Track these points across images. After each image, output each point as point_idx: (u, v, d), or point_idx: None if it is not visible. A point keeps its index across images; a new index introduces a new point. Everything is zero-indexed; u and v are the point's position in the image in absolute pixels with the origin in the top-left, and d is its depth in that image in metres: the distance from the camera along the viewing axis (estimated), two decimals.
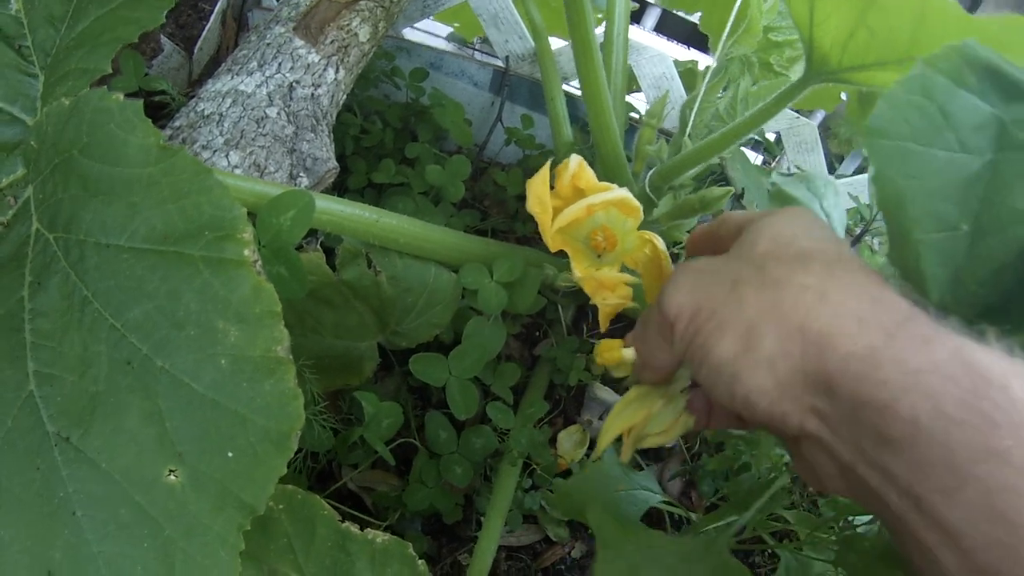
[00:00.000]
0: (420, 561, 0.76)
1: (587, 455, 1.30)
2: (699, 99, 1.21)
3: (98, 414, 0.59)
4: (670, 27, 2.43)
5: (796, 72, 1.37)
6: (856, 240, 1.49)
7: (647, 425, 0.78)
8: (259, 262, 0.59)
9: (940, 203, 0.65)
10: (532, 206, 0.82)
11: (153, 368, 0.58)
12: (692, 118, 1.20)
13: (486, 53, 1.83)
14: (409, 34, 1.69)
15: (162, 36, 1.43)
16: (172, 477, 0.57)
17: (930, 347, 0.48)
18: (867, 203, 1.59)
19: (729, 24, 1.18)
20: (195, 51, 1.54)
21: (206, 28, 1.56)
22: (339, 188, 1.37)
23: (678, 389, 0.78)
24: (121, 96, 0.63)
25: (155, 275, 0.59)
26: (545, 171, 0.81)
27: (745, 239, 0.65)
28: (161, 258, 0.60)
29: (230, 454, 0.58)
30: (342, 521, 0.74)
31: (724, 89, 1.28)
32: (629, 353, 0.78)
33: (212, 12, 1.59)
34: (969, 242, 0.65)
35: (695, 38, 2.24)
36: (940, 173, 0.65)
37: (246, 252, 0.58)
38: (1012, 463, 0.42)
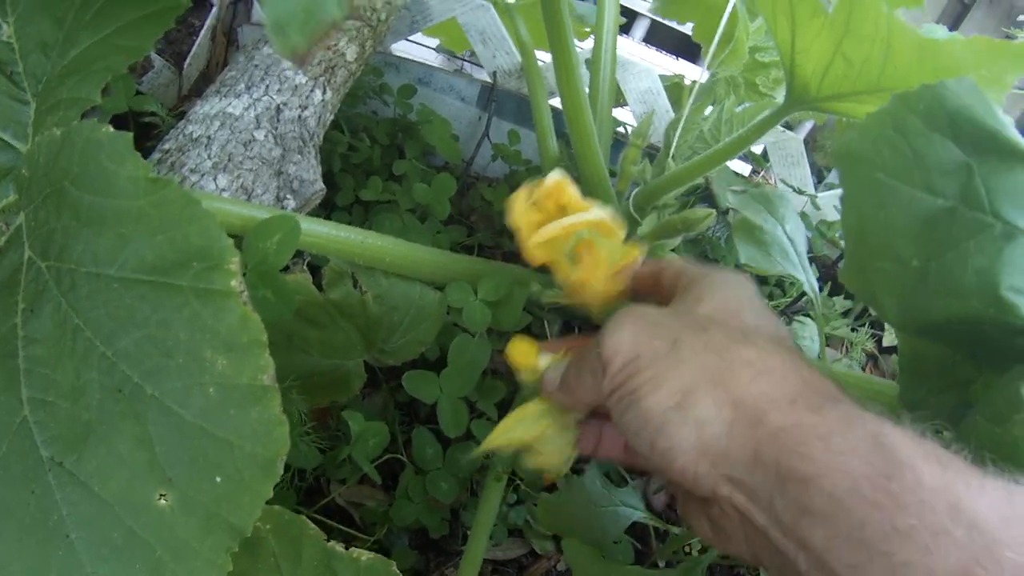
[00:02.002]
0: None
1: (573, 470, 1.31)
2: (683, 120, 1.22)
3: (91, 440, 0.60)
4: (660, 38, 2.45)
5: (781, 93, 1.39)
6: (843, 255, 1.51)
7: (534, 442, 0.79)
8: (245, 292, 0.61)
9: (897, 237, 0.67)
10: (512, 223, 0.83)
11: (143, 396, 0.60)
12: (676, 139, 1.21)
13: (474, 64, 1.85)
14: (399, 46, 1.70)
15: (152, 52, 1.45)
16: (162, 501, 0.59)
17: (851, 429, 0.51)
18: None
19: (714, 45, 1.19)
20: (185, 67, 1.56)
21: (196, 44, 1.57)
22: (327, 205, 1.39)
23: (574, 419, 0.79)
24: (111, 128, 0.65)
25: (145, 305, 0.61)
26: (524, 190, 0.83)
27: (690, 295, 0.69)
28: (151, 288, 0.61)
29: (218, 479, 0.59)
30: (328, 540, 0.76)
31: (712, 104, 1.30)
32: (544, 361, 0.79)
33: (202, 28, 1.60)
34: (916, 280, 0.67)
35: (684, 48, 2.26)
36: (902, 209, 0.67)
37: (233, 283, 0.60)
38: (914, 541, 0.46)
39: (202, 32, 1.59)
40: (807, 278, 1.10)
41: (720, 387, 0.58)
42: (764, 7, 0.97)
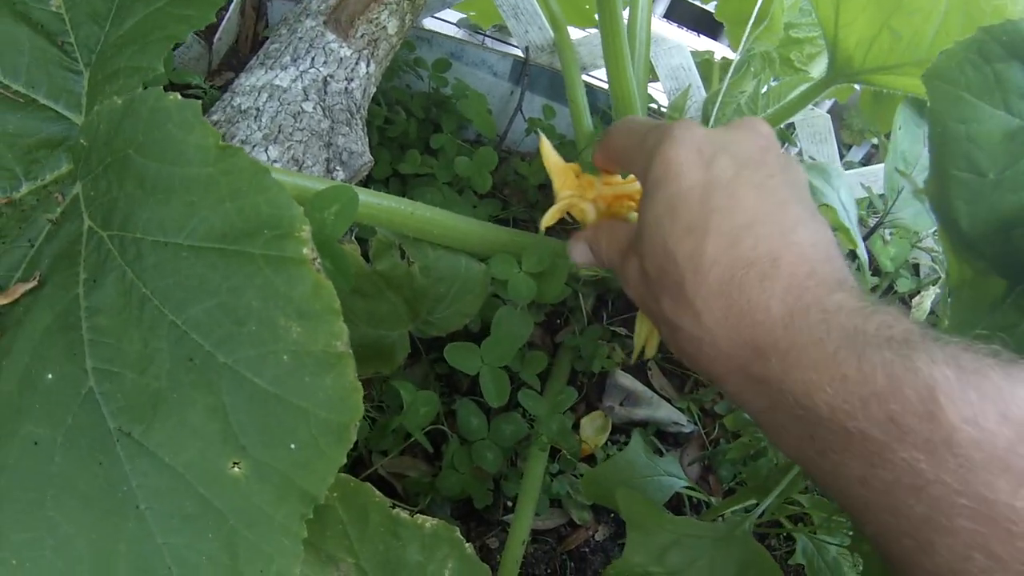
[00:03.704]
0: (467, 544, 0.78)
1: (609, 440, 1.32)
2: (721, 94, 1.22)
3: (160, 410, 0.60)
4: (680, 13, 2.44)
5: (815, 68, 1.38)
6: (871, 232, 1.50)
7: None
8: (317, 260, 0.61)
9: (976, 149, 0.74)
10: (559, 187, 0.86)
11: (215, 364, 0.60)
12: (715, 113, 1.21)
13: (498, 40, 1.84)
14: (427, 22, 1.70)
15: None
16: (236, 469, 0.59)
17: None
18: (880, 193, 1.60)
19: (751, 22, 1.19)
20: (215, 41, 1.55)
21: (225, 18, 1.57)
22: (365, 178, 1.39)
23: None
24: (178, 96, 0.65)
25: (216, 273, 0.61)
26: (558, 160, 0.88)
27: (638, 241, 0.69)
28: (221, 256, 0.61)
29: (292, 446, 0.59)
30: (392, 508, 0.76)
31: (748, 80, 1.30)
32: None
33: (231, 2, 1.59)
34: (991, 189, 0.74)
35: (705, 24, 2.25)
36: (982, 124, 0.74)
37: (305, 250, 0.60)
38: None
39: (231, 6, 1.59)
40: (859, 242, 1.13)
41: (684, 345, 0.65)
42: None
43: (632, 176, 0.85)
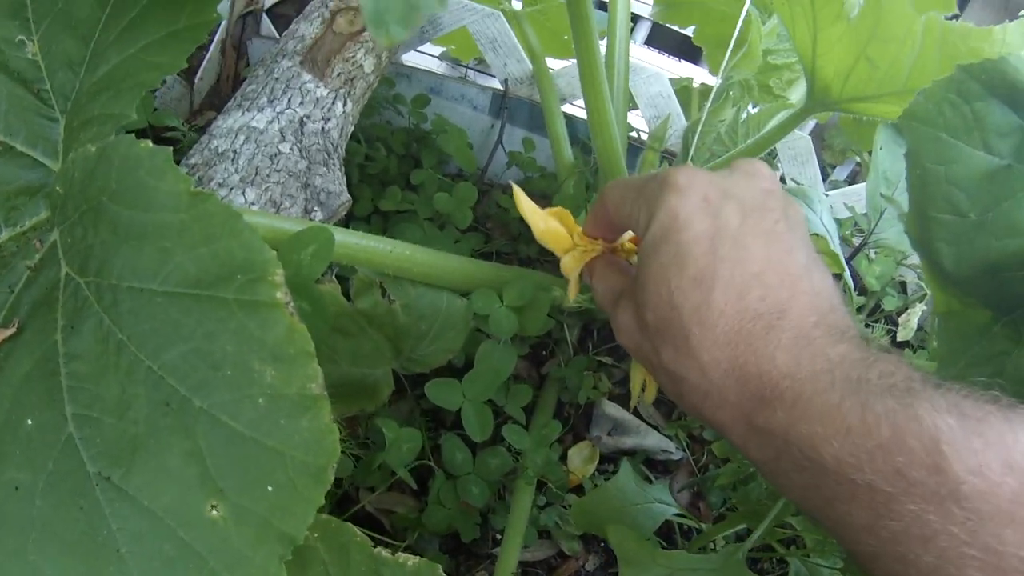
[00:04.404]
0: None
1: (598, 470, 1.32)
2: (701, 123, 1.23)
3: (139, 454, 0.60)
4: (661, 39, 2.44)
5: (794, 94, 1.39)
6: (856, 252, 1.51)
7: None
8: (291, 303, 0.61)
9: (956, 190, 0.74)
10: (540, 236, 0.87)
11: (192, 408, 0.60)
12: (695, 142, 1.22)
13: (480, 72, 1.85)
14: (407, 58, 1.71)
15: None
16: (214, 512, 0.59)
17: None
18: (863, 213, 1.60)
19: (730, 48, 1.20)
20: (196, 81, 1.56)
21: (206, 58, 1.58)
22: (346, 216, 1.39)
23: None
24: (149, 143, 0.65)
25: (190, 318, 0.61)
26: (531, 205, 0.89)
27: (636, 284, 0.69)
28: (195, 301, 0.61)
29: (270, 488, 0.59)
30: (374, 546, 0.76)
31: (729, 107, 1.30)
32: None
33: (211, 42, 1.60)
34: (973, 230, 0.74)
35: (686, 50, 2.26)
36: (961, 164, 0.74)
37: (278, 294, 0.60)
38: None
39: (212, 46, 1.60)
40: (844, 267, 1.15)
41: (686, 397, 0.65)
42: (782, 11, 0.98)
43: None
